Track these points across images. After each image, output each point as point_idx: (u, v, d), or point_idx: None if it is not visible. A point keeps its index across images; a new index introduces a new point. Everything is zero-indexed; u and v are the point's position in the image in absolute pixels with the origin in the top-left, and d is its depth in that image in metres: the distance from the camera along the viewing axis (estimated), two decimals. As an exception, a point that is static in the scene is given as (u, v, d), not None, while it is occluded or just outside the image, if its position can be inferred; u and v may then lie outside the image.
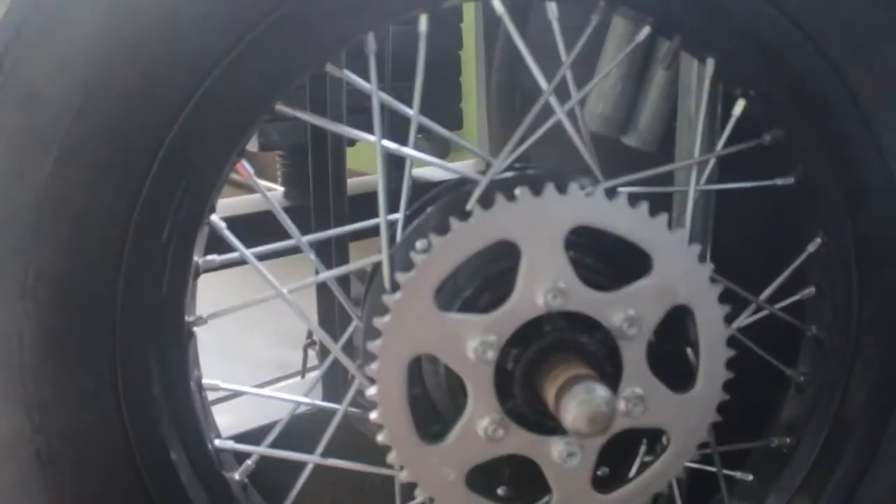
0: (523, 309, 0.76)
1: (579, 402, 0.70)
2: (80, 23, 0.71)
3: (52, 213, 0.73)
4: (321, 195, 1.23)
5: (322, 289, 1.37)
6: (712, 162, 0.90)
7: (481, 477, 0.82)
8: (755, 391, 0.91)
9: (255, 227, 0.97)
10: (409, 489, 0.86)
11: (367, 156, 1.66)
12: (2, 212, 0.73)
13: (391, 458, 0.79)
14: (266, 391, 0.91)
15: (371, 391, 0.76)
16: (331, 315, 1.31)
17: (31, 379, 0.76)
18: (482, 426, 0.77)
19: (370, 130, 0.81)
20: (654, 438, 0.87)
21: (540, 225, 0.75)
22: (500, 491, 0.85)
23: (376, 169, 0.84)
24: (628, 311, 0.77)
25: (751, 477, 0.98)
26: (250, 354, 0.84)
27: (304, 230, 0.87)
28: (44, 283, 0.74)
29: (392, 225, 0.84)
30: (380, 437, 0.78)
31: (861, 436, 0.92)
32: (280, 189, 1.53)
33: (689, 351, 0.86)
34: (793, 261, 0.92)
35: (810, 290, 0.94)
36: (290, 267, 0.87)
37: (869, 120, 0.84)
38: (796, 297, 0.94)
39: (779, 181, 0.91)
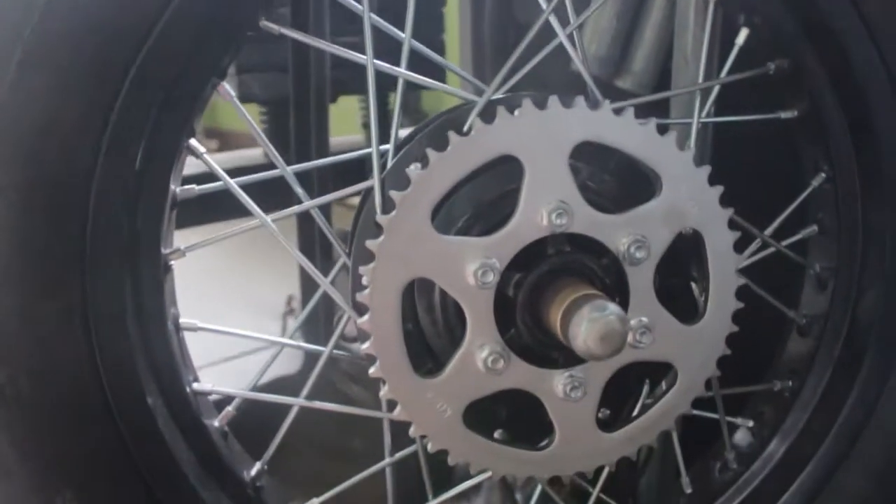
0: (526, 229, 0.71)
1: (590, 321, 0.66)
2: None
3: (11, 123, 0.67)
4: (303, 151, 1.17)
5: (305, 222, 1.31)
6: (715, 91, 0.87)
7: (478, 418, 0.77)
8: (755, 335, 0.87)
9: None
10: (399, 435, 0.81)
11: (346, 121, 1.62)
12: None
13: (384, 393, 0.73)
14: (248, 332, 0.85)
15: (363, 320, 0.71)
16: (312, 252, 1.26)
17: (-7, 305, 0.70)
18: (481, 357, 0.73)
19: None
20: (655, 380, 0.84)
21: (544, 140, 0.70)
22: (496, 435, 0.81)
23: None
24: (635, 235, 0.73)
25: (751, 423, 0.95)
26: (229, 325, 0.80)
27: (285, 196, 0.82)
28: (6, 198, 0.68)
29: (382, 156, 0.79)
30: (372, 371, 0.73)
31: (865, 376, 0.89)
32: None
33: (693, 287, 0.83)
34: (795, 197, 0.89)
35: (813, 228, 0.91)
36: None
37: (881, 48, 0.81)
38: (799, 236, 0.91)
39: (782, 114, 0.88)
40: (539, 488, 0.91)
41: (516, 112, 0.70)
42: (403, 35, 0.78)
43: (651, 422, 0.79)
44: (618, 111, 0.72)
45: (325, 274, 0.81)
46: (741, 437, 0.95)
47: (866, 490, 0.89)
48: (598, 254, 0.74)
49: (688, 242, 0.79)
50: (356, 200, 0.82)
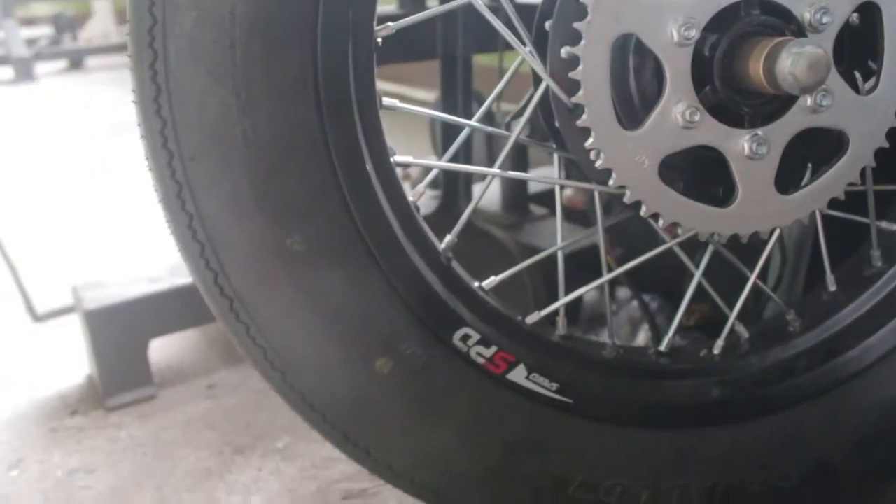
0: (722, -9, 0.78)
1: (796, 55, 0.73)
2: None
3: None
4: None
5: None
6: None
7: (668, 175, 0.83)
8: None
9: None
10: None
11: None
12: None
13: (589, 142, 0.81)
14: (454, 165, 0.92)
15: (576, 71, 0.78)
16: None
17: (240, 56, 0.77)
18: (678, 111, 0.80)
19: None
20: (821, 162, 0.90)
21: None
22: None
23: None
24: (821, 2, 0.79)
25: (896, 226, 1.01)
26: None
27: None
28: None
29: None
30: (580, 121, 0.80)
31: None
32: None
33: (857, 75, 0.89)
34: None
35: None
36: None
37: None
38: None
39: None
40: (685, 301, 0.97)
41: None
42: None
43: (823, 187, 0.86)
44: None
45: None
46: (887, 236, 1.01)
47: None
48: (786, 19, 0.80)
49: (852, 31, 0.85)
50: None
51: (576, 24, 0.78)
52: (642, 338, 1.29)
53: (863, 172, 0.87)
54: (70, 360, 1.66)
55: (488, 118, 1.36)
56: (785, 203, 0.85)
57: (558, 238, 0.96)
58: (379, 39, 0.86)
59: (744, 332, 1.00)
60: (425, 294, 0.88)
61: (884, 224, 1.01)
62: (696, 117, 0.80)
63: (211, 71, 0.78)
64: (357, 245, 0.84)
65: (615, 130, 0.80)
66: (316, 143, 0.81)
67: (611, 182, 0.82)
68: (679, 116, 0.80)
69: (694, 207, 0.84)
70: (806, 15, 0.80)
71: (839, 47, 0.83)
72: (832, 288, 1.01)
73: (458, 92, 1.47)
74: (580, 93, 0.79)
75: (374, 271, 0.85)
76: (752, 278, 0.96)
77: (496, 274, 0.95)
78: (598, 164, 0.81)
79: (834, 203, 0.88)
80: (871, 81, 0.85)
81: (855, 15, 0.85)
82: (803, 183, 0.87)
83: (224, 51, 0.77)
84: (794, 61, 0.73)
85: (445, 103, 1.47)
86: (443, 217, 1.48)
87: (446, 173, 1.53)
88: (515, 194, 1.72)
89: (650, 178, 0.82)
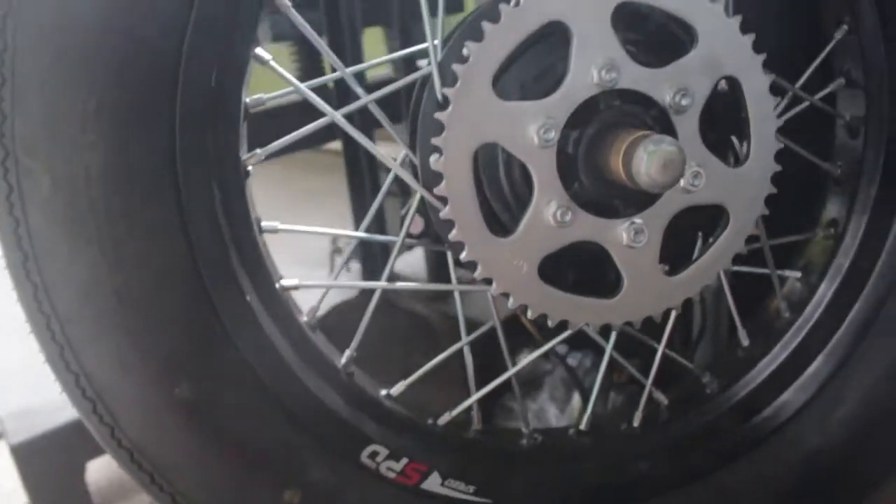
0: (579, 88, 0.77)
1: (650, 153, 0.72)
2: None
3: (105, 43, 0.74)
4: (342, 84, 1.22)
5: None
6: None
7: (549, 275, 0.83)
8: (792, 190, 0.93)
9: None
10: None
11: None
12: (56, 44, 0.73)
13: (464, 255, 0.79)
14: (326, 230, 0.91)
15: (440, 187, 0.77)
16: (357, 157, 1.32)
17: (102, 215, 0.76)
18: (550, 212, 0.79)
19: None
20: (707, 233, 0.90)
21: (588, 3, 0.76)
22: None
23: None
24: (679, 85, 0.79)
25: (799, 273, 1.00)
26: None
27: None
28: (104, 112, 0.74)
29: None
30: (452, 235, 0.79)
31: (904, 215, 0.95)
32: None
33: (734, 140, 0.89)
34: (821, 51, 0.94)
35: (840, 81, 0.97)
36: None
37: None
38: (828, 89, 0.96)
39: (800, -31, 0.93)
40: (598, 381, 0.96)
41: (558, -20, 0.76)
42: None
43: (710, 262, 0.85)
44: (651, -30, 0.78)
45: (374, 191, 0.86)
46: (791, 287, 1.01)
47: (916, 316, 0.95)
48: (647, 105, 0.80)
49: (725, 99, 0.85)
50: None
51: (433, 140, 0.77)
52: (577, 399, 1.28)
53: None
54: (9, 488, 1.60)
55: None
56: (673, 284, 0.84)
57: (462, 334, 0.94)
58: (249, 167, 0.85)
59: (662, 399, 0.99)
60: (326, 417, 0.86)
61: (787, 273, 1.01)
62: (569, 216, 0.79)
63: (74, 232, 0.77)
64: (248, 381, 0.83)
65: (487, 240, 0.79)
66: (192, 288, 0.80)
67: (492, 289, 0.81)
68: (551, 217, 0.79)
69: (581, 303, 0.83)
70: (666, 98, 0.79)
71: (708, 119, 0.82)
72: (745, 343, 1.00)
73: (364, 179, 1.45)
74: (447, 208, 0.78)
75: (269, 404, 0.83)
76: (661, 349, 0.95)
77: (422, 353, 0.94)
78: (477, 274, 0.80)
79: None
80: (743, 151, 0.84)
81: (723, 81, 0.85)
82: (692, 258, 0.87)
83: (84, 211, 0.76)
84: (648, 161, 0.72)
85: (352, 189, 1.45)
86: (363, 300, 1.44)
87: (364, 248, 1.51)
88: (441, 262, 1.68)
89: (531, 281, 0.81)
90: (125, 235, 0.77)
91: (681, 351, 1.05)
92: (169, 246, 0.78)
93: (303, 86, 0.84)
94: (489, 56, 0.76)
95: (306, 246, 1.87)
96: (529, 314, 0.82)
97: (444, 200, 0.78)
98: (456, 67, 0.76)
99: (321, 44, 0.87)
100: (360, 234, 0.91)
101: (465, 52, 0.77)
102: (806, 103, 0.94)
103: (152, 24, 0.75)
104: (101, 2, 0.72)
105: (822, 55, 0.94)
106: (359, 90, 0.86)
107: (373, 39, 1.45)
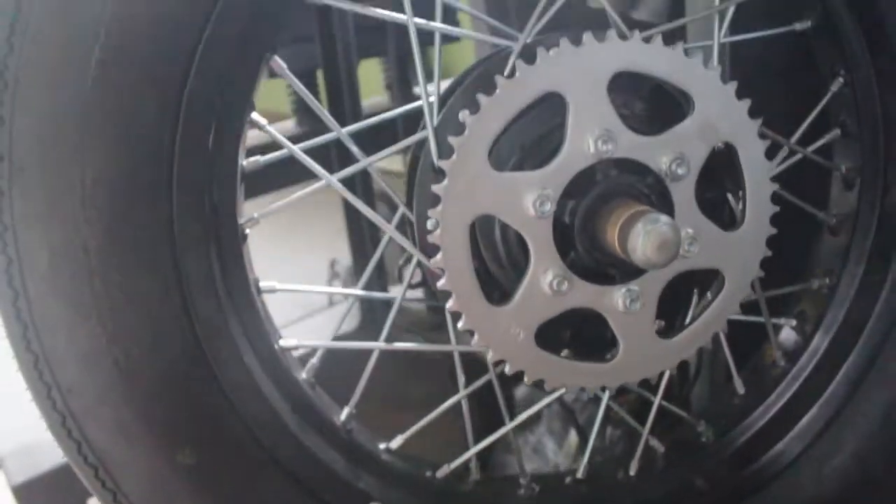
0: (575, 158, 0.77)
1: (646, 233, 0.72)
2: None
3: (100, 119, 0.74)
4: (338, 115, 1.23)
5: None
6: (731, 11, 0.92)
7: (545, 340, 0.84)
8: (790, 238, 0.93)
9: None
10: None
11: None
12: (52, 123, 0.73)
13: (461, 324, 0.80)
14: (321, 288, 0.92)
15: (436, 259, 0.78)
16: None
17: (100, 287, 0.76)
18: (547, 281, 0.79)
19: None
20: (703, 288, 0.90)
21: (583, 73, 0.76)
22: (563, 354, 0.87)
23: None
24: (675, 153, 0.79)
25: (794, 322, 1.01)
26: (273, 297, 0.87)
27: (323, 159, 0.87)
28: (101, 189, 0.75)
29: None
30: (449, 305, 0.79)
31: (898, 265, 0.95)
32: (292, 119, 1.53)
33: (730, 198, 0.89)
34: (817, 103, 0.95)
35: (836, 132, 0.97)
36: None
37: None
38: (824, 140, 0.96)
39: (797, 25, 0.93)
40: (601, 409, 0.97)
41: (554, 51, 0.76)
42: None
43: (705, 325, 0.86)
44: (647, 39, 0.78)
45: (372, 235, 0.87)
46: (786, 335, 1.01)
47: (909, 369, 0.96)
48: (643, 174, 0.80)
49: (721, 157, 0.85)
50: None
51: (430, 212, 0.77)
52: (574, 436, 1.29)
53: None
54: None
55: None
56: (668, 347, 0.85)
57: (460, 386, 0.95)
58: (247, 230, 0.86)
59: (659, 446, 1.00)
60: (326, 476, 0.87)
61: (782, 321, 1.01)
62: (565, 286, 0.79)
63: (73, 304, 0.77)
64: (248, 444, 0.84)
65: (484, 309, 0.80)
66: (191, 355, 0.80)
67: (489, 356, 0.82)
68: (548, 286, 0.79)
69: (577, 368, 0.84)
70: (662, 167, 0.79)
71: (704, 177, 0.82)
72: (741, 391, 1.01)
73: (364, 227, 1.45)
74: (443, 279, 0.78)
75: (270, 466, 0.84)
76: (657, 401, 0.96)
77: (425, 390, 0.95)
78: (474, 342, 0.81)
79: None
80: (739, 215, 0.85)
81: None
82: (686, 321, 0.87)
83: (83, 284, 0.76)
84: (644, 241, 0.72)
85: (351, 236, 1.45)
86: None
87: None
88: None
89: (528, 348, 0.81)
90: (123, 306, 0.77)
91: (677, 396, 1.07)
92: (167, 315, 0.79)
93: (296, 148, 0.84)
94: (485, 129, 0.76)
95: (305, 267, 1.90)
96: (526, 380, 0.83)
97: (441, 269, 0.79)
98: (452, 140, 0.76)
99: (318, 105, 0.87)
100: (359, 291, 0.92)
101: (461, 117, 0.77)
102: (800, 155, 0.94)
103: (149, 96, 0.75)
104: (94, 79, 0.72)
105: (818, 108, 0.94)
106: (356, 151, 0.86)
107: (369, 71, 1.46)
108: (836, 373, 0.98)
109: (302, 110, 1.49)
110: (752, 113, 0.82)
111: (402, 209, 0.88)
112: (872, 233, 0.96)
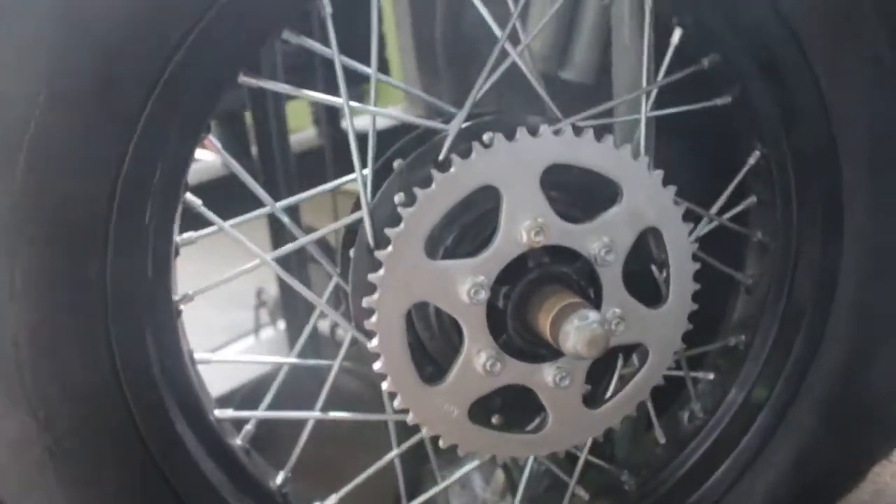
0: (509, 247, 0.80)
1: (577, 329, 0.75)
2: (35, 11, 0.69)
3: (30, 210, 0.72)
4: (266, 157, 1.23)
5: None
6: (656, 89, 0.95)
7: (477, 409, 0.86)
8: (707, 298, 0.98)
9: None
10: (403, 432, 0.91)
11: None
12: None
13: (397, 403, 0.82)
14: (256, 357, 0.92)
15: (372, 343, 0.79)
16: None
17: (30, 376, 0.75)
18: (480, 362, 0.82)
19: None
20: (628, 354, 0.94)
21: (517, 168, 0.78)
22: (494, 419, 0.90)
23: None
24: (604, 239, 0.82)
25: (712, 375, 1.06)
26: (199, 320, 0.87)
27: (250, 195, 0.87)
28: (31, 282, 0.73)
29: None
30: (384, 385, 0.81)
31: (807, 326, 1.01)
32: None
33: (654, 269, 0.93)
34: (734, 175, 0.99)
35: (752, 200, 1.01)
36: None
37: (799, 38, 0.90)
38: (741, 207, 1.01)
39: (718, 101, 0.97)
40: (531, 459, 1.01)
41: (489, 145, 0.78)
42: (370, 71, 0.85)
43: (629, 396, 0.90)
44: (578, 132, 0.81)
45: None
46: (704, 389, 1.07)
47: (813, 424, 1.02)
48: (573, 259, 0.83)
49: (646, 234, 0.88)
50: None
51: (365, 300, 0.79)
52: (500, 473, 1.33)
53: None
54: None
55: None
56: (595, 417, 0.89)
57: (393, 445, 0.97)
58: (181, 307, 0.85)
59: (584, 495, 1.05)
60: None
61: (700, 375, 1.06)
62: (498, 366, 0.82)
63: (2, 393, 0.76)
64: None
65: (419, 389, 0.82)
66: (125, 436, 0.81)
67: (423, 432, 0.84)
68: (481, 367, 0.82)
69: (509, 439, 0.87)
70: (592, 252, 0.82)
71: (631, 254, 0.86)
72: (662, 440, 1.06)
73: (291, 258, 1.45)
74: (379, 362, 0.80)
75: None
76: (583, 456, 1.00)
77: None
78: (409, 419, 0.83)
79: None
80: (663, 290, 0.89)
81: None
82: (613, 389, 0.91)
83: (12, 374, 0.75)
84: (574, 337, 0.75)
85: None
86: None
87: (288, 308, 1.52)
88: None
89: (461, 423, 0.84)
90: (56, 395, 0.77)
91: (599, 445, 1.11)
92: (102, 404, 0.78)
93: (227, 225, 0.84)
94: (421, 222, 0.77)
95: (230, 292, 1.87)
96: (459, 452, 0.86)
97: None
98: (388, 231, 0.77)
99: (251, 180, 0.87)
100: (293, 359, 0.93)
101: (396, 201, 0.79)
102: (715, 223, 0.99)
103: (80, 182, 0.74)
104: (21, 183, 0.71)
105: (736, 180, 0.99)
106: (295, 229, 0.87)
107: (297, 111, 1.45)
108: (750, 426, 1.03)
109: (229, 150, 1.47)
110: (678, 187, 0.85)
111: (336, 279, 0.90)
112: (785, 295, 1.02)
